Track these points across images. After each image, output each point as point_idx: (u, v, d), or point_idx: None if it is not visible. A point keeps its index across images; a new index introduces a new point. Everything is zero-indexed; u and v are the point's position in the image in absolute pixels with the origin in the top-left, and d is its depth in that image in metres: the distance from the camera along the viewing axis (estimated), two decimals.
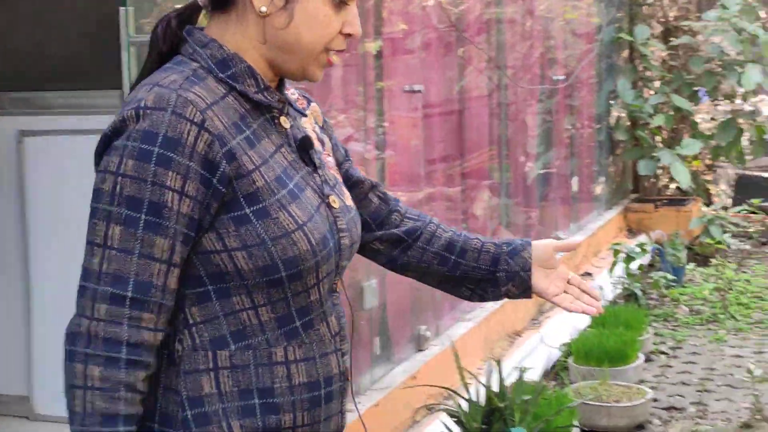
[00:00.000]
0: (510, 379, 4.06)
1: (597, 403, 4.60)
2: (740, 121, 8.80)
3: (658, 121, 8.55)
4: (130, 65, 2.41)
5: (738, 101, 9.05)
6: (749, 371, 4.81)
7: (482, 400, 3.86)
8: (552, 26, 7.17)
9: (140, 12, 2.80)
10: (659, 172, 9.05)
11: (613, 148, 8.96)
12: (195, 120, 1.45)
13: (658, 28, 9.27)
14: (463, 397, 3.93)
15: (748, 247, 8.86)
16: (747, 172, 10.52)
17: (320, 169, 1.64)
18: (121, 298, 1.44)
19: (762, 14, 8.76)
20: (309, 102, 1.75)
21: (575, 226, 7.63)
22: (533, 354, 5.34)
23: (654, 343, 5.98)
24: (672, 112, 8.68)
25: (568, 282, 1.86)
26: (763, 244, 9.20)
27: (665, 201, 9.09)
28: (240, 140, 1.50)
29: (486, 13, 5.87)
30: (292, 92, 1.72)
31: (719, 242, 8.00)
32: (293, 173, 1.57)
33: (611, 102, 8.74)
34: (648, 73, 9.00)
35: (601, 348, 5.12)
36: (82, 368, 1.42)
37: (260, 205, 1.49)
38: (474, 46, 5.56)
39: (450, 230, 1.89)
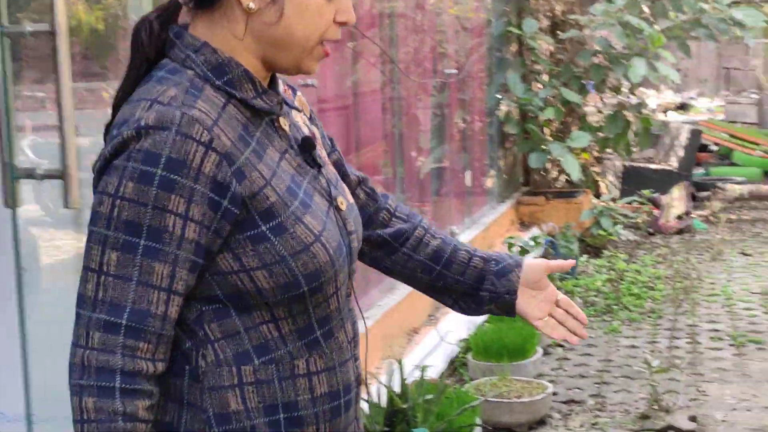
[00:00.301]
0: (410, 378, 3.98)
1: (499, 400, 4.55)
2: (627, 113, 8.92)
3: (548, 114, 8.59)
4: (4, 58, 2.24)
5: (624, 94, 9.17)
6: (647, 362, 4.83)
7: (383, 401, 3.77)
8: (442, 20, 7.13)
9: (15, 2, 2.62)
10: (549, 164, 9.11)
11: (503, 142, 8.99)
12: (202, 140, 1.37)
13: (546, 22, 9.32)
14: (364, 399, 3.83)
15: (637, 238, 8.99)
16: (633, 164, 10.71)
17: (324, 170, 1.56)
18: (116, 325, 1.37)
19: (645, 8, 8.87)
20: (294, 92, 1.66)
21: (469, 220, 7.62)
22: (432, 351, 5.27)
23: None
24: (561, 105, 8.74)
25: (555, 303, 1.79)
26: (651, 234, 9.35)
27: (556, 193, 9.16)
28: (248, 155, 1.42)
29: (377, 6, 5.79)
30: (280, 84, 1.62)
31: (610, 234, 8.09)
32: (301, 179, 1.49)
33: (501, 96, 8.75)
34: (537, 67, 9.03)
35: (500, 343, 5.08)
36: (78, 401, 1.37)
37: (276, 221, 1.42)
38: (366, 40, 5.47)
39: (439, 236, 1.81)
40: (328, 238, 1.47)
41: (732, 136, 12.98)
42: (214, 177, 1.38)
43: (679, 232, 9.44)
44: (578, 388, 5.19)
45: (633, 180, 10.20)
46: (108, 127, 1.46)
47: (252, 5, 1.43)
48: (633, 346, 5.91)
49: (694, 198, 10.42)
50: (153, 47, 1.49)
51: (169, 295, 1.39)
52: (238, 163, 1.40)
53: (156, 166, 1.35)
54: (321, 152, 1.60)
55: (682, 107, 17.99)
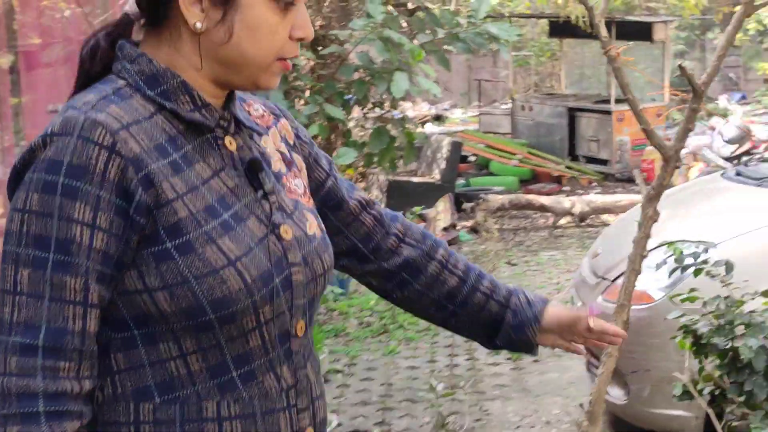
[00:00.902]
0: None
1: None
2: (390, 128, 8.89)
3: (313, 131, 8.41)
4: None
5: (387, 108, 9.16)
6: (431, 387, 4.71)
7: None
8: None
9: None
10: None
11: None
12: (104, 143, 1.31)
13: None
14: None
15: None
16: (397, 178, 10.73)
17: (273, 195, 1.46)
18: (32, 348, 1.30)
19: (404, 23, 8.89)
20: (278, 118, 1.59)
21: None
22: None
23: (330, 362, 5.79)
24: (325, 122, 8.59)
25: (587, 330, 1.70)
26: None
27: None
28: (162, 165, 1.35)
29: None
30: (255, 108, 1.56)
31: None
32: (233, 201, 1.41)
33: None
34: (299, 83, 8.85)
35: None
36: None
37: (183, 239, 1.34)
38: None
39: (457, 272, 1.72)
40: (247, 265, 1.36)
41: (489, 146, 13.31)
42: (120, 182, 1.31)
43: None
44: (362, 416, 5.02)
45: (398, 194, 10.19)
46: None
47: (199, 25, 1.37)
48: (413, 367, 5.81)
49: (459, 209, 10.55)
50: (99, 62, 1.43)
51: (86, 308, 1.32)
52: (146, 171, 1.33)
53: (58, 173, 1.30)
54: (287, 180, 1.51)
55: (438, 118, 18.38)
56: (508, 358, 5.89)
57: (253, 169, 1.45)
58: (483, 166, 13.24)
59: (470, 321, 1.74)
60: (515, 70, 17.62)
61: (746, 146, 10.01)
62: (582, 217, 10.26)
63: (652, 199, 2.79)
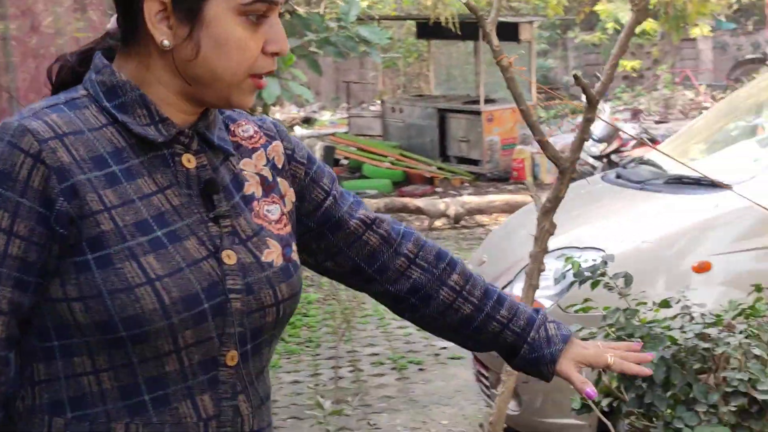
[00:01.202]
0: None
1: None
2: None
3: None
4: None
5: (259, 113, 8.98)
6: (318, 403, 4.57)
7: None
8: (61, 42, 6.53)
9: None
10: None
11: None
12: (30, 151, 1.30)
13: None
14: None
15: None
16: None
17: (228, 219, 1.41)
18: None
19: None
20: (271, 141, 1.54)
21: None
22: None
23: None
24: None
25: (606, 367, 1.66)
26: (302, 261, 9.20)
27: None
28: (95, 176, 1.33)
29: None
30: (244, 129, 1.52)
31: None
32: (174, 219, 1.37)
33: None
34: None
35: None
36: None
37: (104, 252, 1.32)
38: None
39: (471, 299, 1.66)
40: (169, 285, 1.32)
41: (360, 149, 13.24)
42: (43, 191, 1.30)
43: None
44: None
45: None
46: None
47: (166, 42, 1.35)
48: (296, 382, 5.65)
49: None
50: (60, 79, 1.44)
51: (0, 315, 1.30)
52: (72, 181, 1.31)
53: None
54: (262, 207, 1.47)
55: (307, 121, 18.25)
56: (393, 368, 5.80)
57: (208, 191, 1.41)
58: (355, 169, 13.17)
59: (487, 346, 1.72)
60: (383, 71, 17.61)
61: (615, 144, 10.20)
62: (457, 219, 10.27)
63: (548, 212, 2.71)
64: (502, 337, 1.68)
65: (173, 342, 1.33)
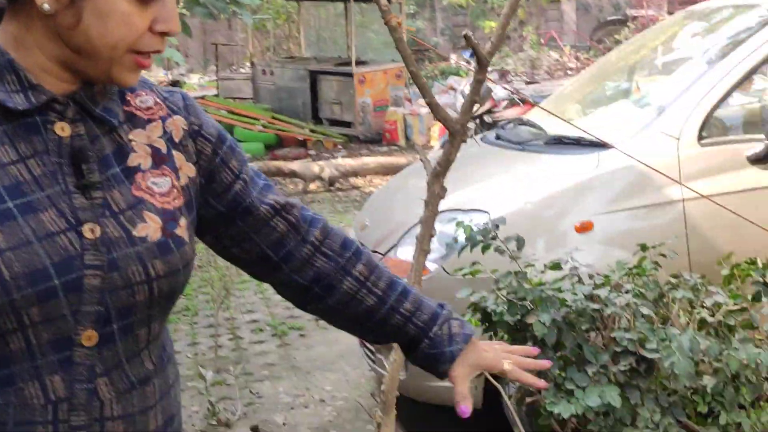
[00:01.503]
0: None
1: None
2: None
3: None
4: None
5: None
6: (201, 376, 4.46)
7: None
8: None
9: None
10: None
11: None
12: None
13: None
14: None
15: None
16: None
17: (101, 191, 1.35)
18: None
19: None
20: (172, 114, 1.48)
21: None
22: None
23: None
24: None
25: (502, 373, 1.66)
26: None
27: None
28: None
29: None
30: (143, 99, 1.46)
31: None
32: (32, 190, 1.30)
33: None
34: None
35: None
36: None
37: None
38: None
39: (376, 291, 1.63)
40: (13, 259, 1.25)
41: (231, 112, 13.01)
42: None
43: None
44: None
45: None
46: None
47: (46, 6, 1.29)
48: (176, 352, 5.51)
49: None
50: None
51: None
52: None
53: None
54: (147, 179, 1.40)
55: (175, 84, 17.84)
56: (274, 335, 5.73)
57: (78, 160, 1.34)
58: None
59: (388, 338, 1.69)
60: (252, 33, 17.35)
61: (487, 105, 10.24)
62: (331, 182, 10.21)
63: (438, 175, 2.67)
64: (404, 331, 1.66)
65: (17, 320, 1.27)
